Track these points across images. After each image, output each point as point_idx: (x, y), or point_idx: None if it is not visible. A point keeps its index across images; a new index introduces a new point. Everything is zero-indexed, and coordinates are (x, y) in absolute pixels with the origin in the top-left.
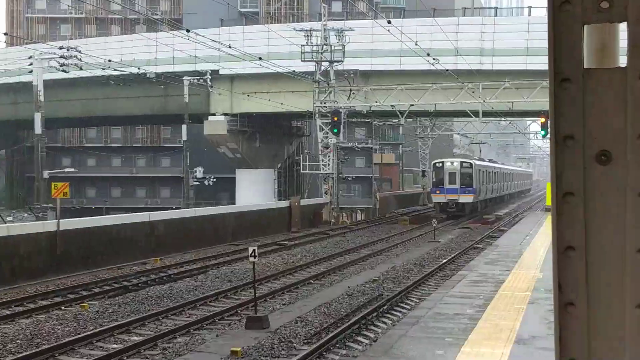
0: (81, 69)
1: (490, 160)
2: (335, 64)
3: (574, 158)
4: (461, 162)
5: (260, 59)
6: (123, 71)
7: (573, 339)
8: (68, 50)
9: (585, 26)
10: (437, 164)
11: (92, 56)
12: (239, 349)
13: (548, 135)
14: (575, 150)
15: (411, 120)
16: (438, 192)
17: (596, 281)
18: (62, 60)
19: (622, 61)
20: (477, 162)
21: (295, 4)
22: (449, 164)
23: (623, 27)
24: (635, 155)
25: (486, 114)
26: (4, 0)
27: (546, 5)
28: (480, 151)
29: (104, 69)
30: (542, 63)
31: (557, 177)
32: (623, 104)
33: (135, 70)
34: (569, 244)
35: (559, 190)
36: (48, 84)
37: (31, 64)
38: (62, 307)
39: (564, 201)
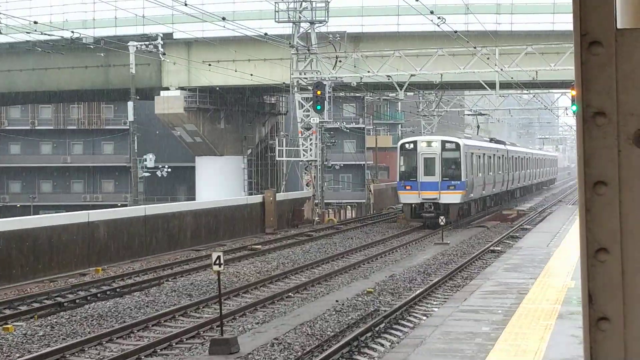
0: (1, 33)
1: (492, 140)
2: (317, 25)
3: (606, 139)
4: (443, 142)
5: (223, 19)
6: (53, 35)
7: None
8: None
9: None
10: (406, 146)
11: (14, 17)
12: None
13: None
14: (608, 129)
15: (412, 94)
16: (408, 187)
17: (635, 291)
18: None
19: None
20: (468, 142)
21: None
22: (423, 144)
23: None
24: None
25: (504, 85)
26: None
27: None
28: (478, 127)
29: (29, 32)
30: (572, 23)
31: (585, 162)
32: None
33: (68, 35)
34: (601, 245)
35: (587, 179)
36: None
37: None
38: None
39: (594, 192)
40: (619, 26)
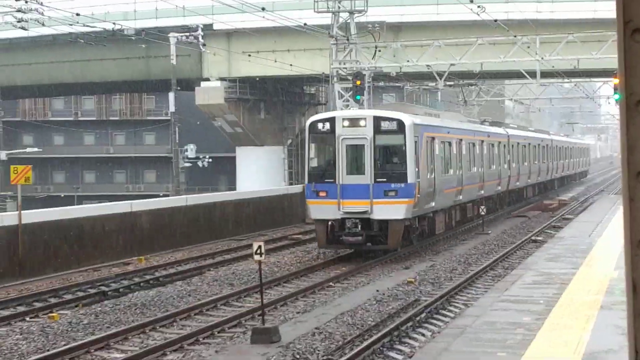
0: (44, 25)
1: (485, 122)
2: (356, 14)
3: None
4: (376, 120)
5: (263, 9)
6: (95, 27)
7: None
8: (27, 2)
9: None
10: (318, 126)
11: (57, 9)
12: None
13: None
14: None
15: (452, 83)
16: (322, 194)
17: None
18: (20, 15)
19: None
20: (421, 120)
21: None
22: (346, 123)
23: None
24: None
25: (545, 74)
26: None
27: None
28: (466, 101)
29: (71, 25)
30: (615, 10)
31: (628, 151)
32: None
33: (109, 26)
34: None
35: (631, 168)
36: (3, 45)
37: None
38: (27, 318)
39: (638, 181)
40: None
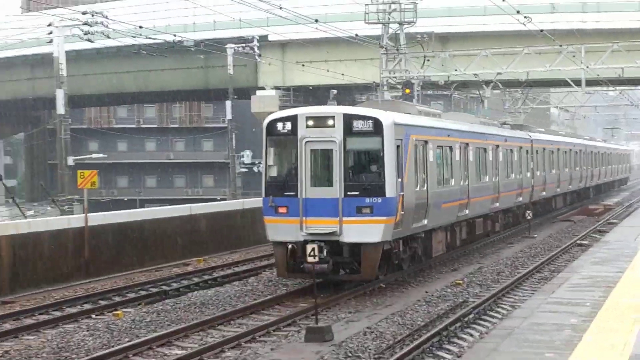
0: (108, 37)
1: (508, 126)
2: (406, 25)
3: None
4: (347, 119)
5: (316, 21)
6: (157, 39)
7: None
8: (93, 15)
9: None
10: (276, 126)
11: (121, 22)
12: None
13: None
14: None
15: (498, 91)
16: (282, 210)
17: None
18: (86, 28)
19: None
20: (405, 120)
21: None
22: (309, 123)
23: None
24: None
25: (590, 82)
26: None
27: None
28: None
29: (134, 37)
30: None
31: None
32: None
33: (170, 38)
34: None
35: None
36: (71, 56)
37: (51, 33)
38: (93, 316)
39: None
40: None
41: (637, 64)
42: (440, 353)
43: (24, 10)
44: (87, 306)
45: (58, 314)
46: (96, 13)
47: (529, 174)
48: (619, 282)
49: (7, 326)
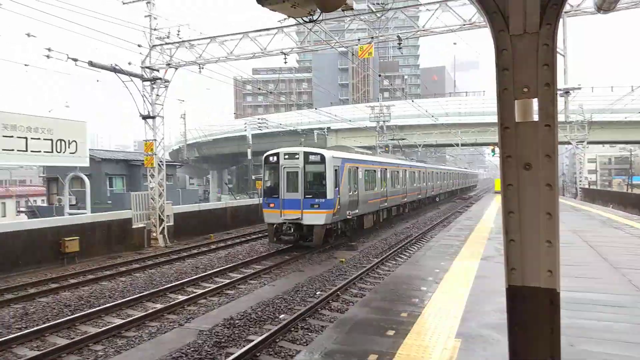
0: (267, 128)
1: (412, 160)
2: (385, 122)
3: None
4: (306, 155)
5: (350, 121)
6: (286, 128)
7: (513, 260)
8: (261, 120)
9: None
10: (270, 159)
11: (272, 121)
12: (344, 259)
13: None
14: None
15: (424, 148)
16: (272, 205)
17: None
18: (259, 124)
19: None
20: (338, 154)
21: (366, 94)
22: (287, 157)
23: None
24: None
25: (463, 144)
26: (232, 97)
27: None
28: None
29: (280, 130)
30: None
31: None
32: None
33: (292, 128)
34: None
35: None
36: (253, 135)
37: (245, 125)
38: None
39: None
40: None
41: (482, 137)
42: (401, 256)
43: (236, 116)
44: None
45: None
46: (263, 118)
47: (424, 183)
48: (476, 227)
49: None
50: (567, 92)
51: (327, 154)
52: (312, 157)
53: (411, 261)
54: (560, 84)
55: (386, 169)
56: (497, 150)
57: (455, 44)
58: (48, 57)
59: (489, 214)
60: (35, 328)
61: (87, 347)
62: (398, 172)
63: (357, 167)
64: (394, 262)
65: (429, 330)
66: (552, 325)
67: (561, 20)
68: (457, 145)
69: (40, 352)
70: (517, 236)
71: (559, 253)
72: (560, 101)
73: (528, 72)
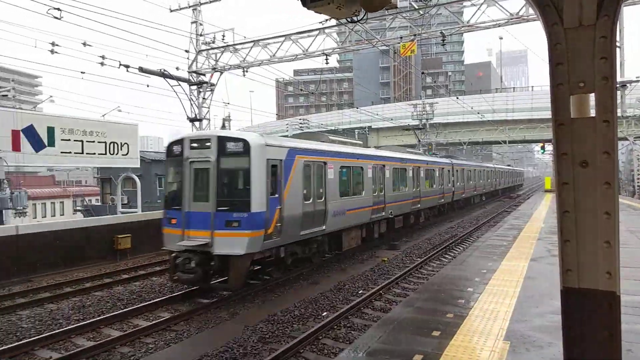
0: (308, 128)
1: (437, 154)
2: (429, 120)
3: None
4: (221, 139)
5: (392, 119)
6: (325, 128)
7: (568, 261)
8: (302, 120)
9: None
10: (173, 149)
11: (313, 122)
12: (386, 258)
13: None
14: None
15: (469, 146)
16: (173, 221)
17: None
18: (300, 125)
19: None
20: (275, 142)
21: (408, 92)
22: (193, 145)
23: None
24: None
25: (510, 141)
26: (274, 98)
27: None
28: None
29: (320, 130)
30: None
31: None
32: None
33: (332, 128)
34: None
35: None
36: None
37: (286, 126)
38: None
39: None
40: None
41: (530, 134)
42: (446, 256)
43: (278, 117)
44: None
45: None
46: (304, 119)
47: (449, 184)
48: (525, 227)
49: None
50: (623, 85)
51: (255, 140)
52: (231, 145)
53: (456, 261)
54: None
55: (384, 166)
56: (547, 147)
57: (501, 38)
58: (102, 64)
59: (539, 213)
60: (91, 320)
61: (138, 339)
62: (406, 169)
63: (325, 163)
64: (439, 262)
65: (476, 331)
66: (611, 330)
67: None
68: (504, 142)
69: (97, 342)
70: (572, 236)
71: (619, 254)
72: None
73: (584, 66)
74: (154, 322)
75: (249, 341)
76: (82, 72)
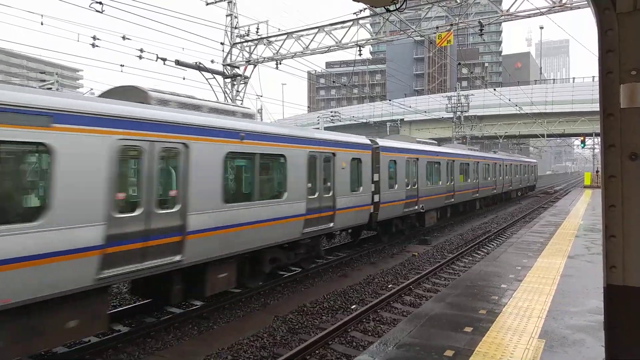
0: (339, 120)
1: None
2: (463, 112)
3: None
4: None
5: (425, 112)
6: (357, 121)
7: (613, 257)
8: (334, 113)
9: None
10: None
11: (345, 114)
12: (416, 253)
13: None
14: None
15: (505, 140)
16: None
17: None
18: (332, 117)
19: None
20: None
21: (442, 83)
22: None
23: None
24: None
25: (548, 135)
26: (305, 91)
27: None
28: None
29: (351, 122)
30: None
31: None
32: None
33: (364, 121)
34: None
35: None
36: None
37: (318, 118)
38: None
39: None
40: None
41: (570, 127)
42: (479, 252)
43: (310, 110)
44: None
45: None
46: (335, 111)
47: (500, 177)
48: (562, 223)
49: None
50: None
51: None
52: None
53: (490, 257)
54: None
55: (282, 160)
56: (587, 141)
57: (542, 27)
58: (140, 57)
59: (577, 209)
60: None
61: (172, 326)
62: (331, 162)
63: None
64: (471, 258)
65: (509, 329)
66: None
67: None
68: (542, 136)
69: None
70: (618, 232)
71: None
72: None
73: (637, 53)
74: (187, 309)
75: (279, 331)
76: (121, 65)
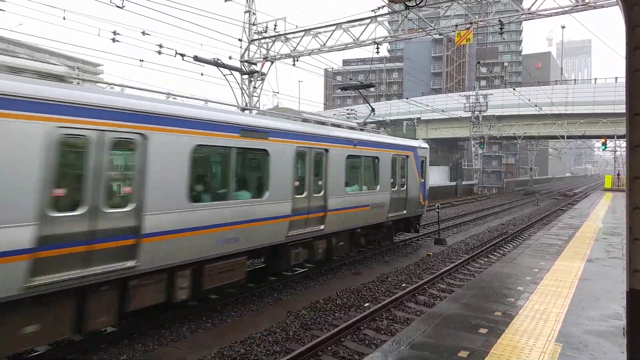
0: (355, 119)
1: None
2: (482, 112)
3: None
4: None
5: (443, 111)
6: (373, 119)
7: (637, 261)
8: (350, 111)
9: None
10: None
11: (361, 112)
12: (431, 253)
13: None
14: None
15: (524, 141)
16: None
17: None
18: (348, 115)
19: None
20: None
21: (460, 82)
22: None
23: None
24: None
25: (568, 137)
26: (322, 89)
27: None
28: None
29: (368, 120)
30: None
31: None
32: None
33: (380, 119)
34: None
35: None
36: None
37: (334, 116)
38: None
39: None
40: None
41: (591, 129)
42: (495, 253)
43: (325, 107)
44: None
45: None
46: (352, 110)
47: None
48: (581, 226)
49: None
50: None
51: None
52: None
53: (506, 259)
54: None
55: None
56: (608, 143)
57: (563, 27)
58: (159, 52)
59: (597, 212)
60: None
61: (186, 318)
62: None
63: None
64: (487, 260)
65: (526, 331)
66: None
67: None
68: (562, 137)
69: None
70: None
71: None
72: None
73: None
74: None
75: (292, 326)
76: (140, 60)
